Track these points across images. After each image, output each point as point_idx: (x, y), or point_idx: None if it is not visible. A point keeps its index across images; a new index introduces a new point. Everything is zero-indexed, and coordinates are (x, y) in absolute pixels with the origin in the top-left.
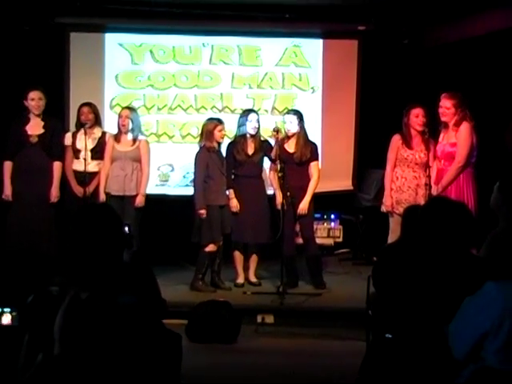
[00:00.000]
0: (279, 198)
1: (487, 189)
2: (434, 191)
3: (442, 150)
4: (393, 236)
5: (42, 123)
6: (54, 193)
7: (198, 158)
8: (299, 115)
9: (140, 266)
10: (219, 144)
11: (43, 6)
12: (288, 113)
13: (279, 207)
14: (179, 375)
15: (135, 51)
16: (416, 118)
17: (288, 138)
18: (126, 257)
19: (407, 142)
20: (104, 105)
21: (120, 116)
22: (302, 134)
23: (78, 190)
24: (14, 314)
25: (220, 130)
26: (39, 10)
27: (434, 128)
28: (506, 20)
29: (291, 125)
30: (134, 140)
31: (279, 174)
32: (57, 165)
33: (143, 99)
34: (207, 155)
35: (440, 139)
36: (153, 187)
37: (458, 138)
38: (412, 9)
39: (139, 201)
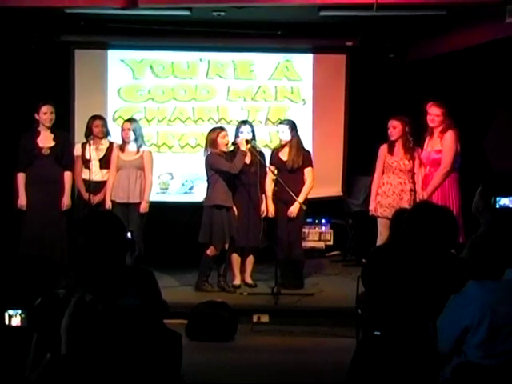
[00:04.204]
0: (270, 207)
1: (470, 194)
2: (420, 196)
3: (428, 156)
4: (381, 238)
5: (52, 136)
6: (66, 201)
7: (211, 157)
8: (291, 125)
9: (142, 269)
10: (224, 152)
11: (49, 25)
12: (281, 123)
13: (268, 215)
14: (180, 372)
15: (136, 67)
16: (388, 129)
17: (282, 146)
18: (129, 261)
19: (391, 150)
20: (107, 117)
21: (122, 129)
22: (295, 142)
23: (88, 198)
24: (23, 315)
25: (223, 137)
26: (45, 29)
27: (419, 136)
28: (485, 35)
29: (283, 134)
30: (138, 149)
31: (274, 179)
32: (68, 175)
33: (144, 112)
34: (218, 156)
35: (425, 146)
36: (153, 195)
37: (443, 145)
38: (396, 25)
39: (143, 207)
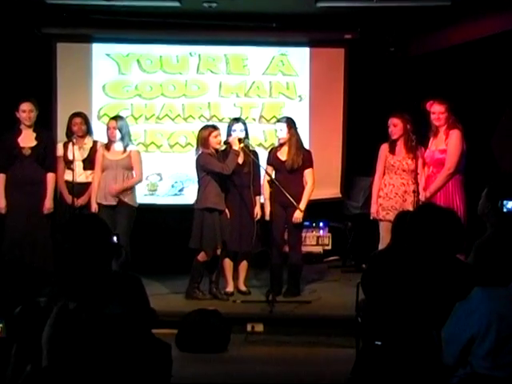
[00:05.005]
0: (266, 209)
1: (475, 196)
2: (423, 197)
3: (431, 156)
4: (383, 243)
5: (34, 135)
6: (48, 204)
7: (202, 158)
8: (289, 122)
9: (129, 275)
10: (216, 151)
11: (29, 16)
12: (279, 121)
13: (267, 218)
14: None
15: (122, 61)
16: (388, 127)
17: (281, 145)
18: (115, 266)
19: (392, 149)
20: (92, 115)
21: (108, 127)
22: (294, 141)
23: (70, 200)
24: (1, 325)
25: (215, 136)
26: (25, 21)
27: (421, 134)
28: (491, 27)
29: (281, 132)
30: (125, 149)
31: (268, 181)
32: (50, 176)
33: (131, 109)
34: (209, 156)
35: (429, 145)
36: (141, 197)
37: (448, 145)
38: (397, 18)
39: (117, 189)
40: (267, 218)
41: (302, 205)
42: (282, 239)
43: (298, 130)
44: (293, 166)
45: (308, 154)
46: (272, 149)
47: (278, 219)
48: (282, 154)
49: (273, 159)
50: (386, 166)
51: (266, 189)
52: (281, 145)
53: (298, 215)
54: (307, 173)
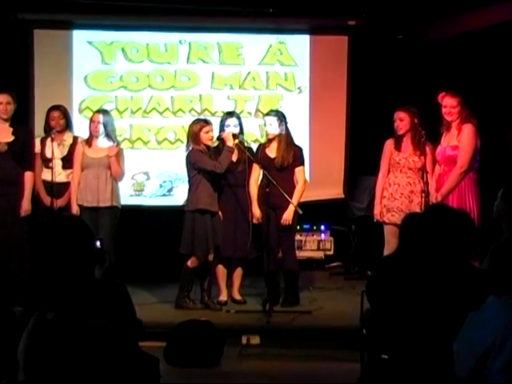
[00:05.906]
0: (255, 211)
1: (491, 196)
2: (434, 199)
3: (443, 153)
4: (389, 247)
5: (11, 130)
6: (25, 206)
7: (193, 155)
8: (280, 116)
9: (113, 283)
10: (208, 147)
11: (4, 1)
12: (268, 114)
13: (254, 221)
14: None
15: (106, 50)
16: (394, 121)
17: (269, 141)
18: (98, 273)
19: (398, 145)
20: (72, 108)
21: (92, 121)
22: (284, 136)
23: (48, 201)
24: None
25: (207, 132)
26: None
27: (432, 129)
28: (508, 12)
29: (271, 127)
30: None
31: (262, 179)
32: (28, 175)
33: (115, 102)
34: (200, 153)
35: (441, 141)
36: (127, 197)
37: (460, 141)
38: (406, 2)
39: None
40: (255, 220)
41: (292, 206)
42: (277, 244)
43: (298, 125)
44: (282, 164)
45: (299, 151)
46: (260, 145)
47: (270, 222)
48: (271, 151)
49: (261, 156)
50: (390, 164)
51: (253, 188)
52: (270, 141)
53: (287, 216)
54: (298, 171)
